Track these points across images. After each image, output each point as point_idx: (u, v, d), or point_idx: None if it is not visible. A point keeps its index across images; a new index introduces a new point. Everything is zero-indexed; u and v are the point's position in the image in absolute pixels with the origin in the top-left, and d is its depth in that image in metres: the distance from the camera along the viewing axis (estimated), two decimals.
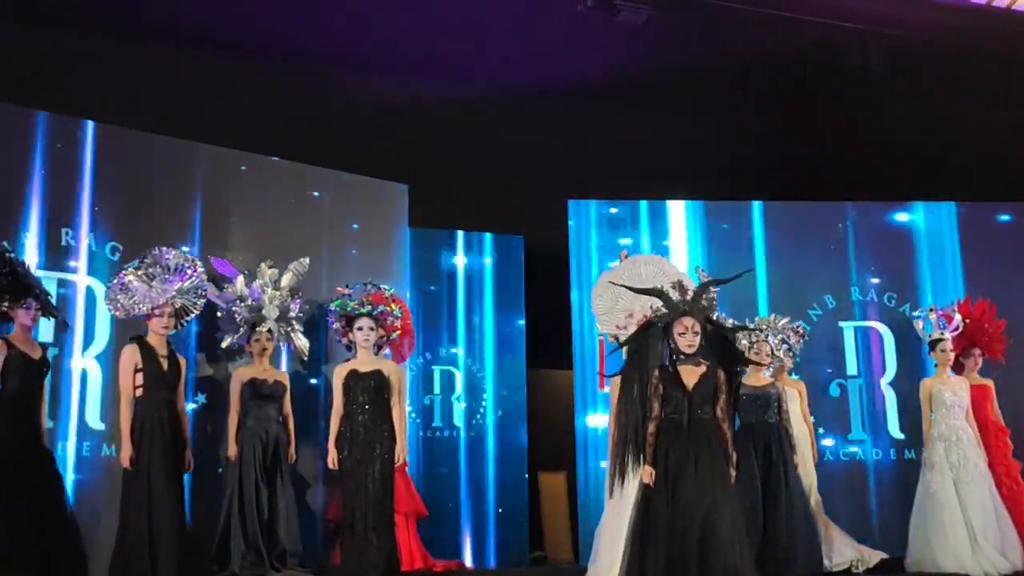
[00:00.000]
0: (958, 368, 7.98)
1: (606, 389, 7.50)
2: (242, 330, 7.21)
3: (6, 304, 5.91)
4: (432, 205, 9.10)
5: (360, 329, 6.93)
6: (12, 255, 6.06)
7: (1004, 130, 9.80)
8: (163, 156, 7.54)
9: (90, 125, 7.25)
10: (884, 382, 8.84)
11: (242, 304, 7.20)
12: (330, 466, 6.77)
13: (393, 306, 7.41)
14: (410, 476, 7.65)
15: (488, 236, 9.76)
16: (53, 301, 6.27)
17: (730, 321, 7.47)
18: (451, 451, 9.21)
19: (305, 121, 9.11)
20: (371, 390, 6.75)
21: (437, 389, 9.25)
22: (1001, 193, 9.38)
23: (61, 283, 6.86)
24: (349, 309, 7.09)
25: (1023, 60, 9.38)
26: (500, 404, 9.46)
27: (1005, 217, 9.37)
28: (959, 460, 7.53)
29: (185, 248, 7.05)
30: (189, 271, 6.62)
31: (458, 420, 9.28)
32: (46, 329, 6.50)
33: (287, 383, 7.18)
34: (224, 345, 7.23)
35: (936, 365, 7.88)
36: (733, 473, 5.58)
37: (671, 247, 8.92)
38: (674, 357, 5.63)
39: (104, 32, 8.52)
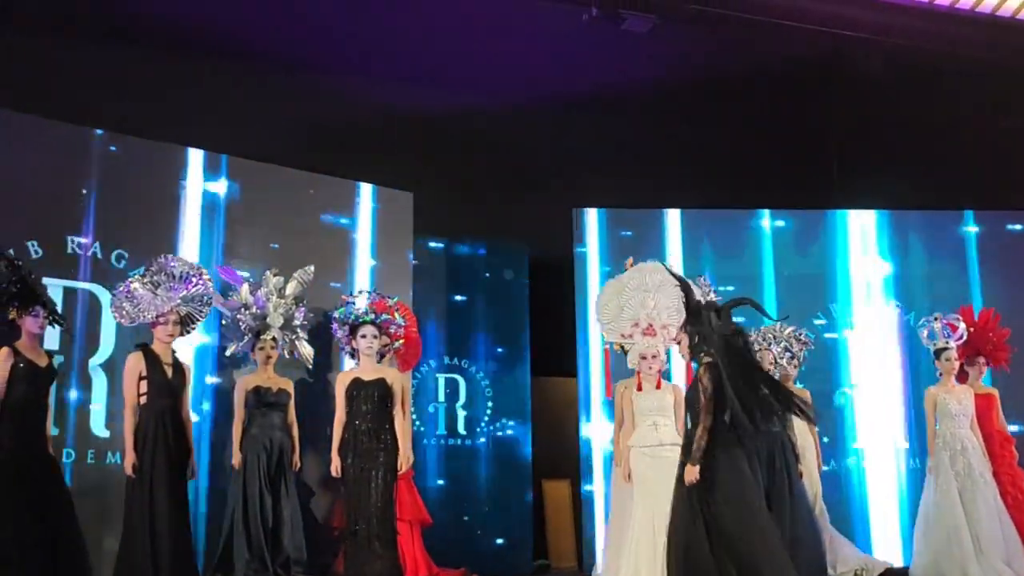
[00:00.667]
0: (962, 377, 7.97)
1: (612, 396, 7.49)
2: (247, 338, 7.23)
3: (14, 312, 5.93)
4: (437, 213, 9.12)
5: (363, 337, 6.95)
6: (19, 263, 6.07)
7: (1008, 139, 9.80)
8: (167, 164, 7.56)
9: (98, 133, 7.29)
10: (888, 391, 8.82)
11: (247, 312, 7.22)
12: (333, 474, 6.78)
13: (397, 315, 7.44)
14: (414, 484, 7.66)
15: (493, 243, 9.77)
16: (59, 309, 6.28)
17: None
18: (456, 459, 9.22)
19: (310, 129, 9.14)
20: (374, 398, 6.77)
21: (441, 397, 9.27)
22: (1007, 202, 9.38)
23: (67, 291, 6.88)
24: (353, 317, 7.11)
25: None
26: (504, 412, 9.46)
27: (1016, 227, 9.36)
28: (964, 469, 7.52)
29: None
30: (194, 279, 6.63)
31: (462, 428, 9.28)
32: (50, 336, 6.52)
33: (291, 391, 7.19)
34: (229, 353, 7.26)
35: (941, 374, 7.87)
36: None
37: (673, 255, 8.91)
38: None
39: (106, 38, 8.57)
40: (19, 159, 6.85)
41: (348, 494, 6.76)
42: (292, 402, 7.15)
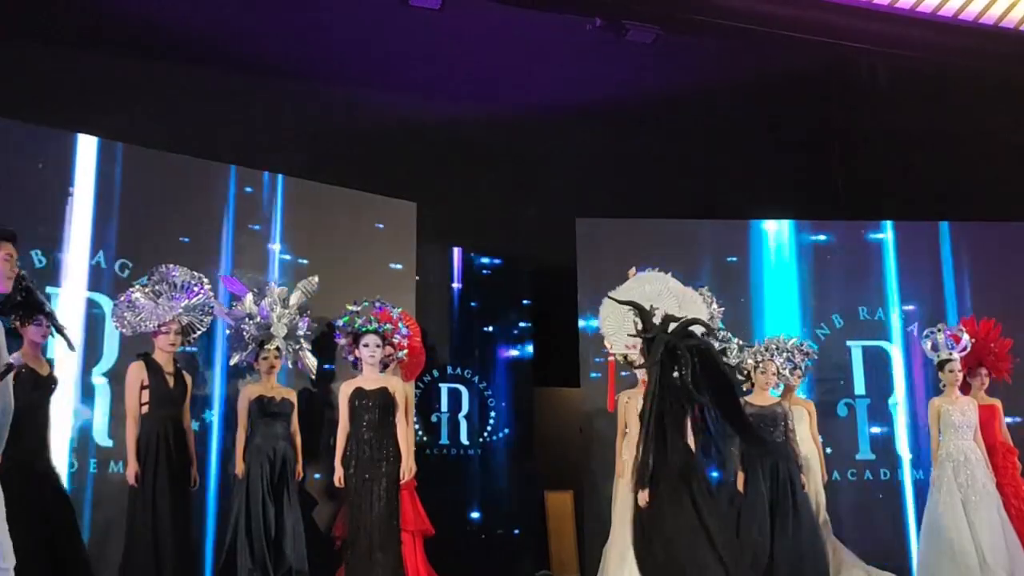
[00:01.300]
0: (964, 388, 7.96)
1: (614, 409, 7.48)
2: (250, 348, 7.24)
3: (17, 321, 5.94)
4: (440, 223, 9.13)
5: (367, 346, 6.96)
6: (23, 272, 6.08)
7: (1009, 150, 9.79)
8: (169, 173, 7.58)
9: (95, 141, 7.30)
10: (892, 402, 8.80)
11: (251, 322, 7.23)
12: (336, 484, 6.78)
13: (401, 324, 7.44)
14: (417, 494, 7.65)
15: (496, 254, 9.77)
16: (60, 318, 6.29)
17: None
18: (458, 469, 9.21)
19: (315, 139, 9.18)
20: (377, 408, 6.78)
21: (444, 407, 9.26)
22: (1006, 213, 9.36)
23: (69, 299, 6.90)
24: (356, 326, 7.12)
25: None
26: (507, 422, 9.45)
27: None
28: (967, 480, 7.51)
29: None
30: (196, 288, 6.65)
31: (465, 438, 9.28)
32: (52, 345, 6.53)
33: (295, 400, 7.20)
34: (232, 362, 7.26)
35: (944, 385, 7.86)
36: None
37: (675, 266, 8.89)
38: None
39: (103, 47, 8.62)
40: (20, 169, 6.88)
41: (350, 504, 6.76)
42: (295, 412, 7.15)
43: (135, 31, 8.44)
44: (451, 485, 9.06)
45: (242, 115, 9.02)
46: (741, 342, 8.05)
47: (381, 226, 8.45)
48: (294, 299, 7.40)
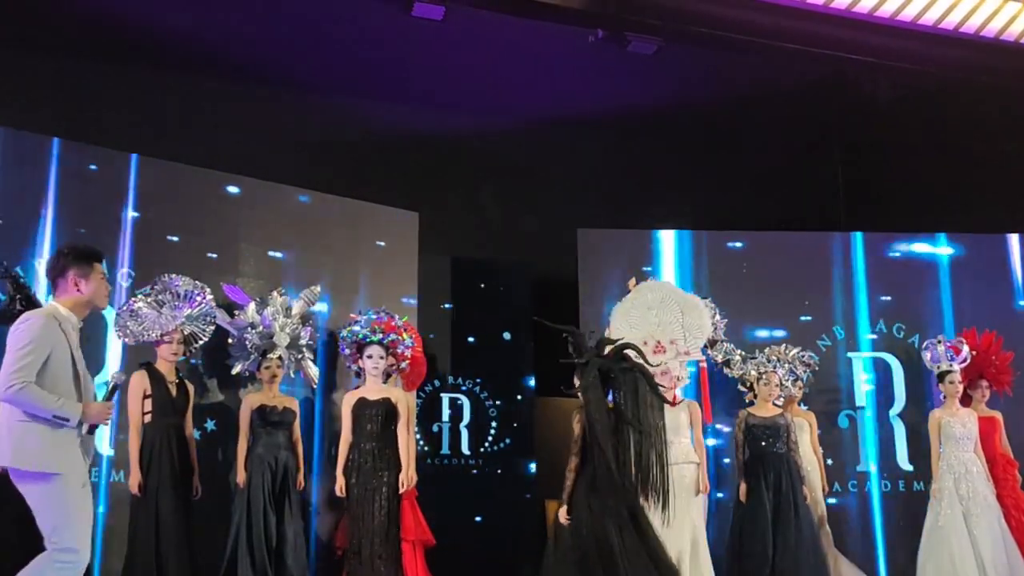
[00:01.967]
0: (965, 400, 7.97)
1: None
2: (253, 357, 7.24)
3: None
4: (442, 233, 9.14)
5: (370, 357, 6.98)
6: (24, 280, 6.09)
7: (1012, 162, 9.82)
8: (170, 182, 7.59)
9: (99, 151, 7.32)
10: (893, 413, 8.81)
11: (253, 331, 7.23)
12: (337, 493, 6.79)
13: (404, 335, 7.44)
14: (418, 504, 7.65)
15: (498, 264, 9.78)
16: None
17: None
18: (460, 479, 9.20)
19: (318, 149, 9.18)
20: (379, 418, 6.78)
21: (445, 417, 9.26)
22: (1008, 224, 9.38)
23: None
24: (360, 336, 7.12)
25: None
26: (509, 432, 9.45)
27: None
28: (968, 492, 7.52)
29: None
30: (198, 298, 6.66)
31: (466, 448, 9.27)
32: None
33: (297, 410, 7.20)
34: (235, 372, 7.26)
35: (944, 397, 7.87)
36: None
37: (677, 276, 8.91)
38: None
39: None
40: (24, 177, 6.89)
41: (352, 513, 6.76)
42: (297, 421, 7.16)
43: (136, 39, 8.45)
44: (452, 495, 9.05)
45: (243, 124, 9.03)
46: (744, 353, 8.06)
47: (383, 243, 8.46)
48: (296, 308, 7.41)
